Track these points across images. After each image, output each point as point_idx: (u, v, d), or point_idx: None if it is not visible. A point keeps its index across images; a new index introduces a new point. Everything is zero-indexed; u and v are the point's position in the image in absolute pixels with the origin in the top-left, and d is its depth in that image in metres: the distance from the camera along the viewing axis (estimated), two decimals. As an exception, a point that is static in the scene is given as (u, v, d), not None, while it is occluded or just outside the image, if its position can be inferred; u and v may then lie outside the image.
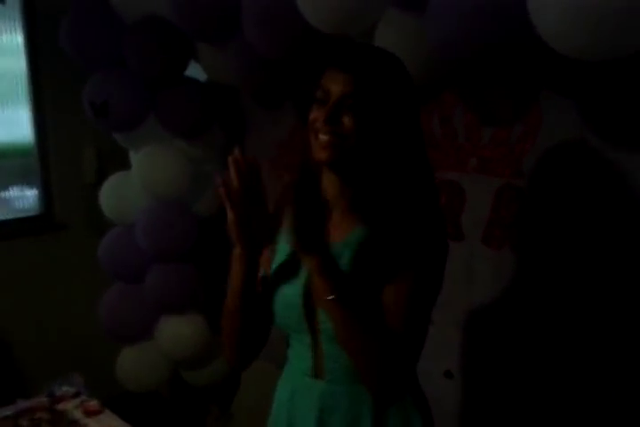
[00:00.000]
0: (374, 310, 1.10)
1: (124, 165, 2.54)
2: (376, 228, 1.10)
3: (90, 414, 1.69)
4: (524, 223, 1.70)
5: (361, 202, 1.13)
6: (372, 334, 1.08)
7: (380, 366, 1.09)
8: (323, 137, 1.07)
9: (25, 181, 2.89)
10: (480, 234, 1.79)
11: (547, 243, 1.66)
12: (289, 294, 1.17)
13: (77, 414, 1.69)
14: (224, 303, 1.18)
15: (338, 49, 1.13)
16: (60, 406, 1.72)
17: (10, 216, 2.86)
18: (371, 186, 1.11)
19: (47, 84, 2.79)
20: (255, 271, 1.16)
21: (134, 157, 2.47)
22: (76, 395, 1.79)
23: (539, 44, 1.22)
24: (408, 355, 1.11)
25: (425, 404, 1.26)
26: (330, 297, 1.07)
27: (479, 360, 1.87)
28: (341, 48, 1.13)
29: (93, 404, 1.73)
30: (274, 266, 1.22)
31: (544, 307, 1.68)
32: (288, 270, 1.18)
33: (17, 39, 2.74)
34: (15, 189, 2.88)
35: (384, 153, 1.09)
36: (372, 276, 1.10)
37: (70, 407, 1.72)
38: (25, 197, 2.91)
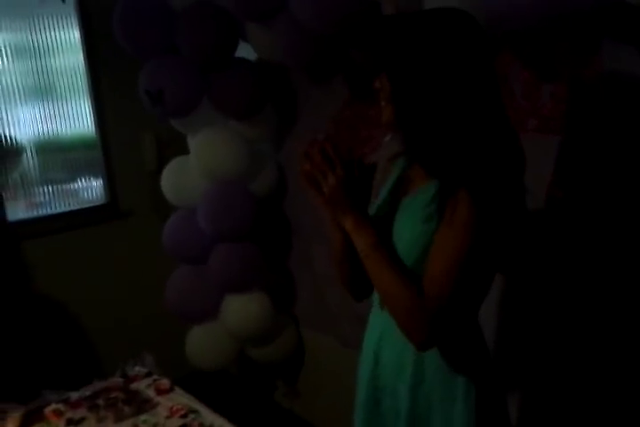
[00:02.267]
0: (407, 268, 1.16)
1: (183, 150, 2.58)
2: (441, 182, 1.14)
3: (161, 392, 1.73)
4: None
5: (424, 158, 1.19)
6: (399, 288, 1.13)
7: (404, 319, 1.14)
8: (380, 103, 1.18)
9: (90, 172, 2.98)
10: (543, 195, 1.72)
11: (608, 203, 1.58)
12: None
13: (150, 393, 1.73)
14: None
15: (372, 25, 1.21)
16: (134, 386, 1.77)
17: (78, 206, 2.96)
18: (431, 143, 1.14)
19: (105, 77, 2.86)
20: None
21: (191, 142, 2.50)
22: (148, 375, 1.83)
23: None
24: (438, 310, 1.11)
25: (476, 354, 1.27)
26: (361, 254, 1.17)
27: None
28: (384, 20, 1.19)
29: (164, 382, 1.77)
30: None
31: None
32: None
33: (74, 35, 2.81)
34: (82, 180, 2.97)
35: (436, 114, 1.11)
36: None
37: (143, 387, 1.77)
38: (91, 188, 3.00)
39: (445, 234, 1.11)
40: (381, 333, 1.32)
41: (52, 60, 2.76)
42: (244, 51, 2.35)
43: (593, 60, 1.55)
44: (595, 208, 1.62)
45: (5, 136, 2.67)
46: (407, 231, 1.20)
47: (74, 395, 1.73)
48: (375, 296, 1.36)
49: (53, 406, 1.68)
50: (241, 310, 2.53)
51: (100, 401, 1.68)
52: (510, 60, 1.72)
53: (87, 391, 1.74)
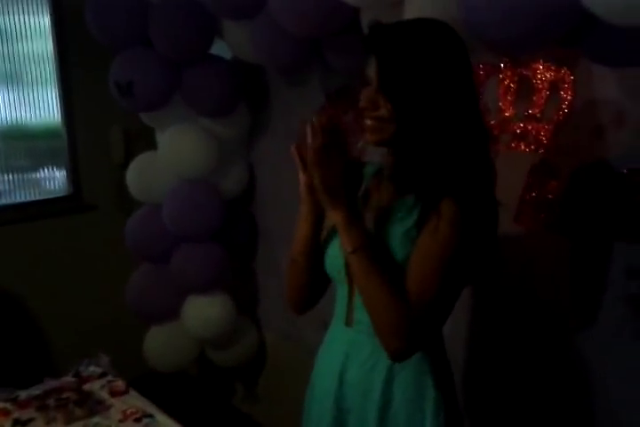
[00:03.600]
0: (393, 269, 1.14)
1: (151, 145, 2.54)
2: (422, 195, 1.15)
3: (115, 394, 1.70)
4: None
5: (399, 173, 1.19)
6: (384, 291, 1.11)
7: (385, 324, 1.12)
8: (365, 122, 1.15)
9: (54, 162, 2.91)
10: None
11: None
12: (335, 247, 1.25)
13: (103, 395, 1.70)
14: (291, 251, 1.27)
15: (369, 34, 1.15)
16: (87, 387, 1.74)
17: (39, 197, 2.88)
18: (408, 159, 1.15)
19: (74, 65, 2.80)
20: (322, 220, 1.25)
21: (161, 137, 2.46)
22: (103, 375, 1.80)
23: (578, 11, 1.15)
24: (419, 318, 1.10)
25: (443, 369, 1.27)
26: (348, 251, 1.14)
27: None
28: (372, 32, 1.15)
29: (119, 384, 1.74)
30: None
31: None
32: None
33: (44, 21, 2.74)
34: (44, 170, 2.90)
35: (424, 131, 1.11)
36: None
37: (96, 388, 1.73)
38: (54, 178, 2.93)
39: (429, 243, 1.11)
40: (347, 352, 1.28)
41: (21, 45, 2.69)
42: (220, 49, 2.31)
43: (567, 82, 1.57)
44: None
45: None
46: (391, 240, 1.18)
47: (23, 394, 1.70)
48: (340, 313, 1.31)
49: (0, 404, 1.63)
50: (202, 311, 2.50)
51: (51, 401, 1.64)
52: (486, 74, 1.73)
53: (37, 390, 1.70)
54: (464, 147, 1.12)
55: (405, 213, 1.17)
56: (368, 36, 1.15)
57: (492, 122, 1.73)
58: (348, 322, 1.28)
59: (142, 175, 2.49)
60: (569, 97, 1.58)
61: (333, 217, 1.17)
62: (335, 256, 1.25)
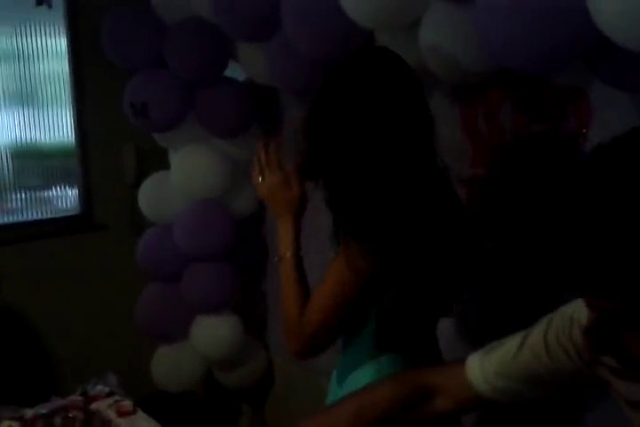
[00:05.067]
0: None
1: (164, 165, 2.55)
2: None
3: (122, 414, 1.67)
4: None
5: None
6: (291, 298, 1.26)
7: (285, 326, 1.27)
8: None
9: (66, 181, 2.92)
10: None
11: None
12: None
13: (110, 414, 1.67)
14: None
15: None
16: (94, 406, 1.71)
17: (51, 215, 2.89)
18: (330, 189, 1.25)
19: (89, 86, 2.82)
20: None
21: (173, 157, 2.47)
22: (110, 394, 1.77)
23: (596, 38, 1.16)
24: (305, 332, 1.23)
25: None
26: (279, 254, 1.31)
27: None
28: None
29: (126, 404, 1.71)
30: None
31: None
32: None
33: (61, 43, 2.78)
34: (56, 188, 2.91)
35: (329, 168, 1.23)
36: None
37: (103, 407, 1.71)
38: (66, 197, 2.94)
39: (328, 269, 1.21)
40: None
41: (37, 66, 2.73)
42: (234, 71, 2.34)
43: (580, 105, 1.57)
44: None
45: (-17, 140, 2.62)
46: None
47: (29, 412, 1.66)
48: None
49: (6, 422, 1.61)
50: (212, 331, 2.49)
51: (57, 420, 1.62)
52: (500, 99, 1.73)
53: (44, 409, 1.67)
54: (381, 186, 1.18)
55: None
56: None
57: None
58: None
59: (154, 195, 2.50)
60: (586, 121, 1.58)
61: (278, 222, 1.34)
62: None
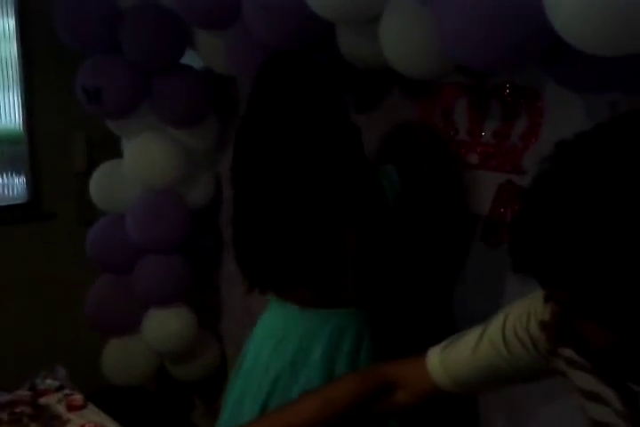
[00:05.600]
0: None
1: (116, 153, 2.49)
2: None
3: (72, 408, 1.64)
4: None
5: None
6: None
7: None
8: None
9: (13, 168, 2.83)
10: (479, 232, 1.76)
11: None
12: None
13: (60, 409, 1.64)
14: None
15: None
16: (43, 400, 1.67)
17: (-3, 203, 2.80)
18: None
19: (38, 69, 2.73)
20: None
21: (126, 146, 2.42)
22: (60, 389, 1.73)
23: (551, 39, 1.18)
24: None
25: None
26: None
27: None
28: None
29: (76, 398, 1.68)
30: None
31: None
32: None
33: (9, 23, 2.68)
34: (3, 176, 2.82)
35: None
36: None
37: (53, 402, 1.67)
38: (13, 185, 2.85)
39: None
40: None
41: (-17, 47, 2.63)
42: (191, 59, 2.29)
43: (533, 104, 1.60)
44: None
45: None
46: None
47: (-27, 407, 1.62)
48: None
49: (-51, 418, 1.56)
50: (163, 324, 2.45)
51: (4, 416, 1.56)
52: (455, 94, 1.75)
53: (-12, 404, 1.63)
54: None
55: None
56: None
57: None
58: None
59: (106, 184, 2.45)
60: (538, 119, 1.61)
61: None
62: None
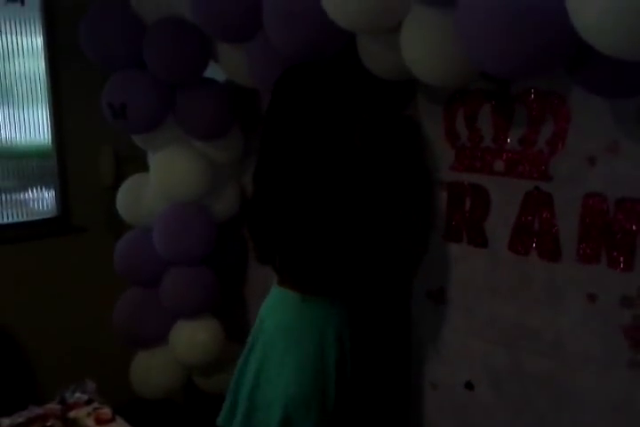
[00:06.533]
0: None
1: (142, 167, 2.51)
2: None
3: (101, 422, 1.66)
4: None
5: None
6: None
7: None
8: None
9: (43, 182, 2.87)
10: (506, 240, 1.73)
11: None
12: None
13: (89, 423, 1.66)
14: None
15: None
16: (72, 414, 1.69)
17: (27, 218, 2.84)
18: None
19: (66, 85, 2.78)
20: None
21: (152, 159, 2.44)
22: (89, 402, 1.75)
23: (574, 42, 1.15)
24: None
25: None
26: None
27: (501, 371, 1.80)
28: None
29: (105, 412, 1.69)
30: None
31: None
32: None
33: (37, 41, 2.74)
34: (33, 190, 2.86)
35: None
36: None
37: (82, 415, 1.69)
38: (43, 199, 2.89)
39: None
40: None
41: (13, 64, 2.68)
42: (214, 72, 2.31)
43: (561, 110, 1.57)
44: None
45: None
46: None
47: (5, 421, 1.64)
48: None
49: (-18, 432, 1.58)
50: (191, 336, 2.46)
51: (36, 429, 1.59)
52: (479, 101, 1.73)
53: (20, 418, 1.66)
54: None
55: None
56: None
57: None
58: None
59: (133, 197, 2.47)
60: (564, 125, 1.58)
61: None
62: None
